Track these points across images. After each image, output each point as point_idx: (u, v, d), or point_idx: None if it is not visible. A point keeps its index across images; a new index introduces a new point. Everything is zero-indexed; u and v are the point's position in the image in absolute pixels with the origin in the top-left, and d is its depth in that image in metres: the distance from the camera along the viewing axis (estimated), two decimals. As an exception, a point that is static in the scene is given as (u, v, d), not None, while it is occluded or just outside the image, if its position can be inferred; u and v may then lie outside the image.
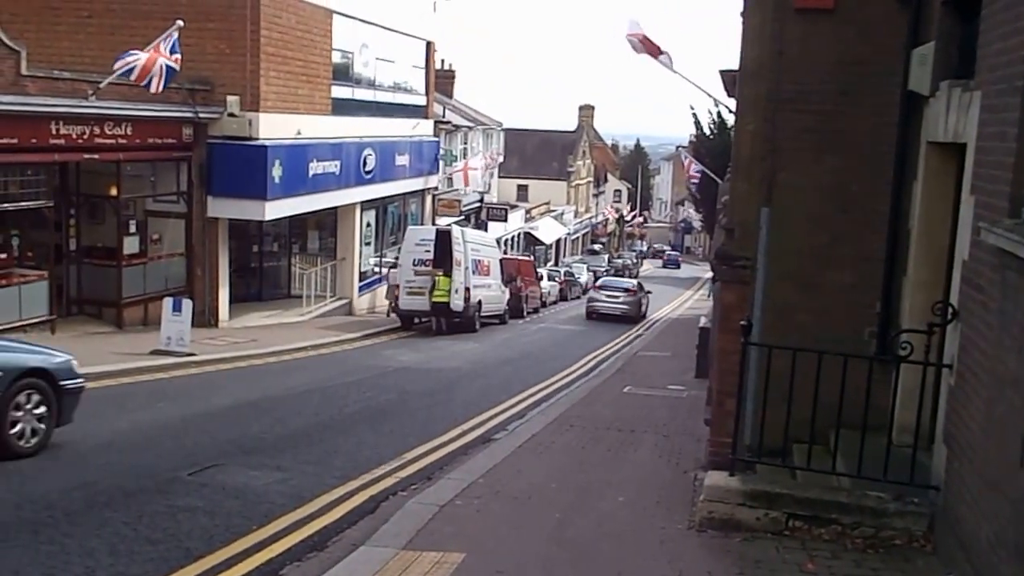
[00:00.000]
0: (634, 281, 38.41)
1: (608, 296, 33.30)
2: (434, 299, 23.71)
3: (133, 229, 20.01)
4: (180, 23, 17.54)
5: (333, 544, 6.92)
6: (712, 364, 11.56)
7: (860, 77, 7.68)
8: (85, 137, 17.44)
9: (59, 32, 20.40)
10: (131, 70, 16.74)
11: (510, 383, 16.10)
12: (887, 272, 7.63)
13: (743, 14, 8.86)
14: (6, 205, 16.48)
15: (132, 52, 16.83)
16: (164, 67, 17.08)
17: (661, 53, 21.12)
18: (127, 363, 15.07)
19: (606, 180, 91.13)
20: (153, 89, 17.14)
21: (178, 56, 17.35)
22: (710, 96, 27.15)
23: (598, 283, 38.00)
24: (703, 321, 17.91)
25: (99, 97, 17.16)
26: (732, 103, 19.68)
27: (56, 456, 8.98)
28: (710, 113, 40.49)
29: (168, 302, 16.91)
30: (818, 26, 7.74)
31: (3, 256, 17.03)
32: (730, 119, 33.76)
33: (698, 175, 34.69)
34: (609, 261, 65.18)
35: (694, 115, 42.70)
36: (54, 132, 16.75)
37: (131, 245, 19.85)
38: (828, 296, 7.90)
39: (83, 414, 11.14)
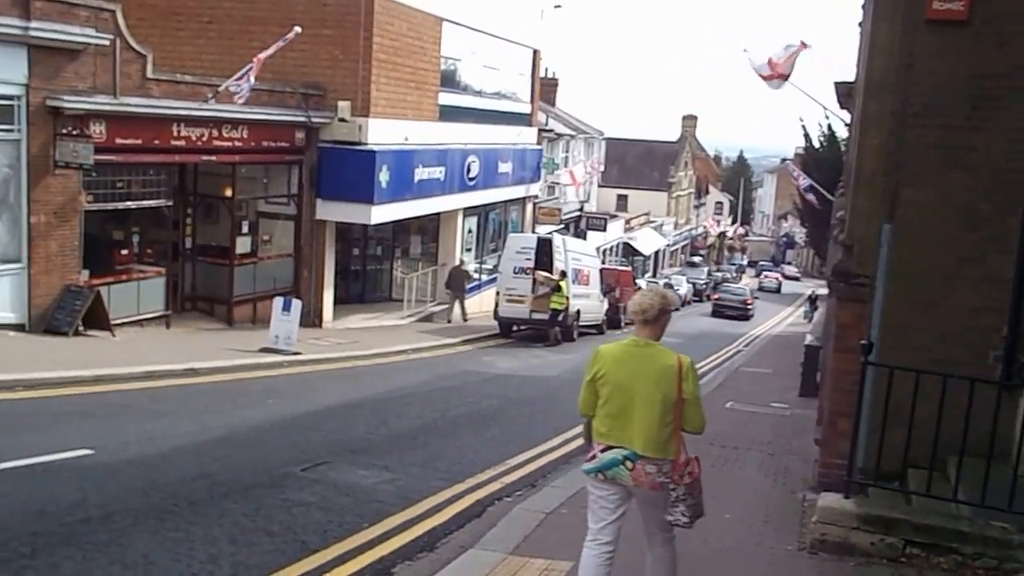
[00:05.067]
0: (747, 288, 51.78)
1: (730, 296, 46.62)
2: (552, 306, 23.64)
3: (245, 229, 20.65)
4: (297, 29, 18.04)
5: (442, 545, 7.00)
6: (823, 383, 11.31)
7: (995, 91, 7.41)
8: (204, 139, 18.09)
9: (182, 37, 21.19)
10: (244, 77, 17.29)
11: (609, 393, 16.00)
12: (1016, 295, 7.34)
13: (862, 24, 8.66)
14: (129, 203, 17.22)
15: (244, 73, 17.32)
16: (249, 71, 17.40)
17: (787, 77, 20.26)
18: (238, 359, 15.54)
19: (707, 192, 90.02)
20: (241, 92, 17.44)
21: (260, 55, 17.60)
22: (823, 107, 26.38)
23: (719, 288, 51.10)
24: (809, 339, 17.48)
25: (218, 101, 17.79)
26: (845, 115, 19.09)
27: (179, 447, 9.32)
28: (820, 125, 39.44)
29: (278, 301, 17.38)
30: (950, 38, 7.49)
31: (124, 252, 17.79)
32: (841, 131, 32.91)
33: (805, 189, 33.90)
34: (709, 274, 64.31)
35: (803, 127, 41.63)
36: (175, 134, 17.42)
37: (243, 245, 20.50)
38: (950, 317, 7.63)
39: (199, 408, 11.61)
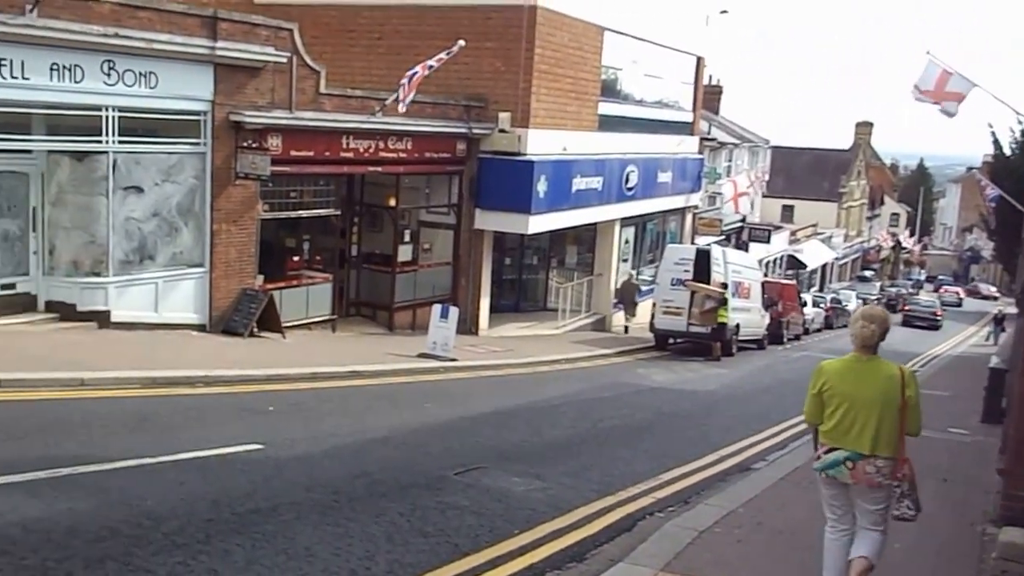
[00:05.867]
0: (936, 300, 54.74)
1: (921, 308, 50.03)
2: (719, 319, 23.23)
3: (407, 238, 21.27)
4: (461, 43, 18.49)
5: (592, 557, 6.99)
6: (1009, 409, 10.59)
7: None
8: (371, 151, 18.78)
9: (353, 53, 22.05)
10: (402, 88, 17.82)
11: (769, 411, 15.58)
12: None
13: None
14: (301, 212, 18.07)
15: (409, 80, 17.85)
16: (409, 77, 17.87)
17: (961, 99, 17.90)
18: (398, 364, 16.03)
19: (882, 203, 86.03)
20: (402, 98, 17.84)
21: (429, 63, 17.98)
22: (1015, 112, 24.54)
23: (910, 300, 54.53)
24: (995, 361, 16.35)
25: (384, 113, 18.43)
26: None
27: (341, 445, 9.71)
28: (1012, 131, 36.77)
29: (437, 308, 17.81)
30: None
31: (296, 259, 18.67)
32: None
33: (993, 200, 31.84)
34: (881, 289, 61.44)
35: (992, 133, 38.74)
36: (345, 146, 18.17)
37: (405, 253, 21.12)
38: None
39: (361, 409, 12.04)
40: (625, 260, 29.05)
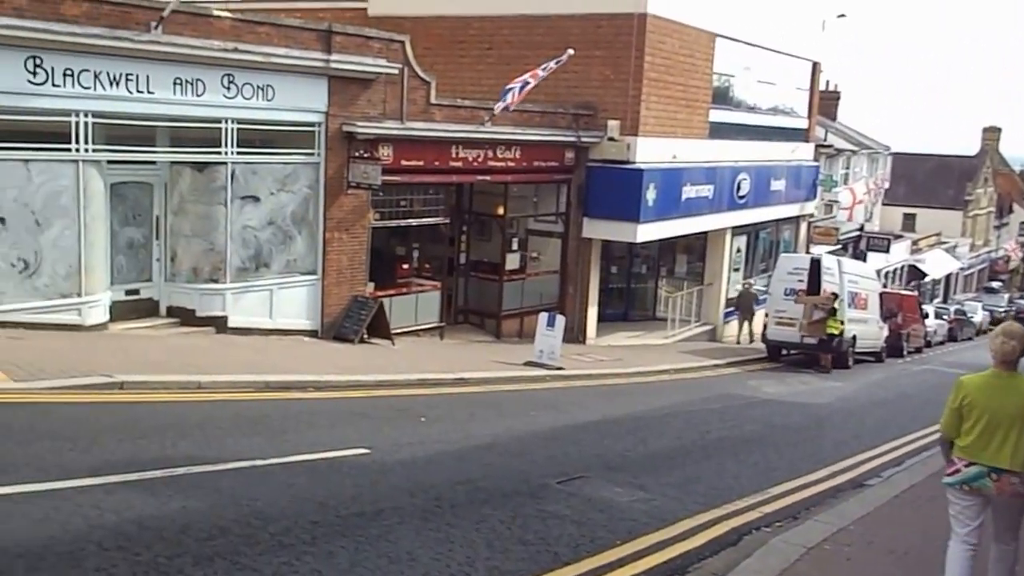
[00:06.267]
0: None
1: None
2: (828, 330, 22.56)
3: (515, 246, 21.39)
4: (570, 51, 18.50)
5: (694, 570, 6.85)
6: None
7: None
8: (480, 160, 18.97)
9: (463, 63, 22.33)
10: (508, 93, 17.98)
11: (885, 426, 15.01)
12: None
13: None
14: (411, 221, 18.37)
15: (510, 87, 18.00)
16: (521, 83, 17.96)
17: None
18: (504, 371, 16.10)
19: (1011, 211, 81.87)
20: (508, 105, 18.01)
21: (538, 71, 18.11)
22: None
23: None
24: None
25: (493, 123, 18.58)
26: None
27: (445, 451, 9.79)
28: None
29: (543, 317, 17.81)
30: None
31: (405, 267, 18.99)
32: None
33: None
34: (1010, 301, 58.54)
35: None
36: (454, 155, 18.41)
37: (512, 261, 21.24)
38: None
39: (466, 416, 12.13)
40: (736, 269, 28.51)
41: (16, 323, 12.53)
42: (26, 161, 12.60)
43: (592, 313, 22.47)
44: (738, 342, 26.24)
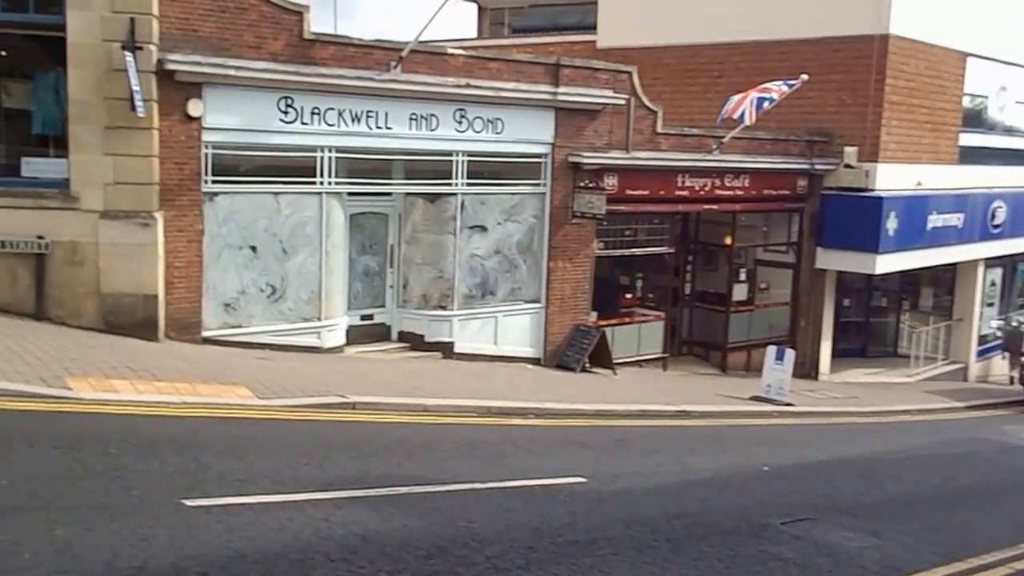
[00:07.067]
0: None
1: None
2: None
3: (743, 277, 20.77)
4: (804, 77, 17.85)
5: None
6: None
7: None
8: (706, 189, 18.62)
9: (692, 92, 22.04)
10: (726, 106, 17.53)
11: None
12: None
13: None
14: (635, 251, 18.28)
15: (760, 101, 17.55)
16: (755, 99, 17.41)
17: None
18: (729, 406, 15.61)
19: None
20: (748, 120, 17.48)
21: (774, 87, 17.54)
22: None
23: None
24: None
25: (721, 151, 18.21)
26: None
27: (663, 484, 9.60)
28: None
29: (771, 350, 17.14)
30: None
31: (628, 296, 18.92)
32: None
33: None
34: None
35: None
36: (679, 184, 18.18)
37: (740, 292, 20.62)
38: None
39: (686, 450, 11.85)
40: (991, 304, 26.27)
41: (263, 344, 13.57)
42: (276, 194, 13.69)
43: (825, 347, 21.39)
44: (1010, 383, 23.98)
